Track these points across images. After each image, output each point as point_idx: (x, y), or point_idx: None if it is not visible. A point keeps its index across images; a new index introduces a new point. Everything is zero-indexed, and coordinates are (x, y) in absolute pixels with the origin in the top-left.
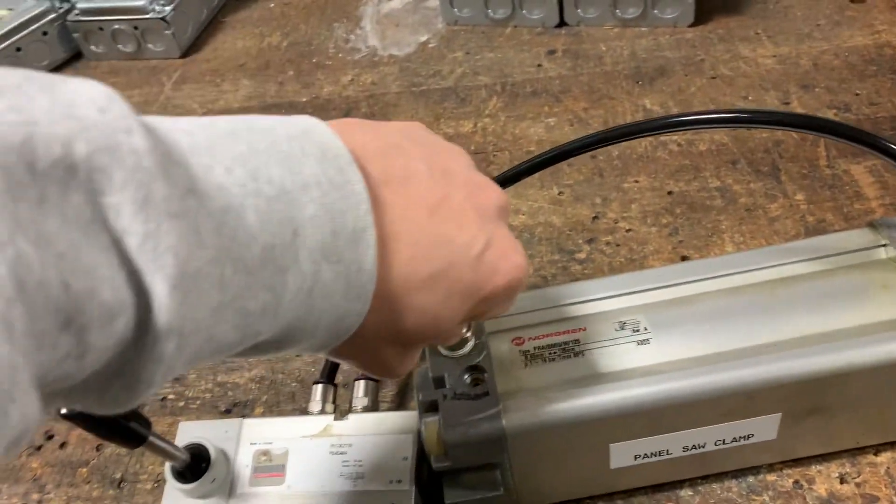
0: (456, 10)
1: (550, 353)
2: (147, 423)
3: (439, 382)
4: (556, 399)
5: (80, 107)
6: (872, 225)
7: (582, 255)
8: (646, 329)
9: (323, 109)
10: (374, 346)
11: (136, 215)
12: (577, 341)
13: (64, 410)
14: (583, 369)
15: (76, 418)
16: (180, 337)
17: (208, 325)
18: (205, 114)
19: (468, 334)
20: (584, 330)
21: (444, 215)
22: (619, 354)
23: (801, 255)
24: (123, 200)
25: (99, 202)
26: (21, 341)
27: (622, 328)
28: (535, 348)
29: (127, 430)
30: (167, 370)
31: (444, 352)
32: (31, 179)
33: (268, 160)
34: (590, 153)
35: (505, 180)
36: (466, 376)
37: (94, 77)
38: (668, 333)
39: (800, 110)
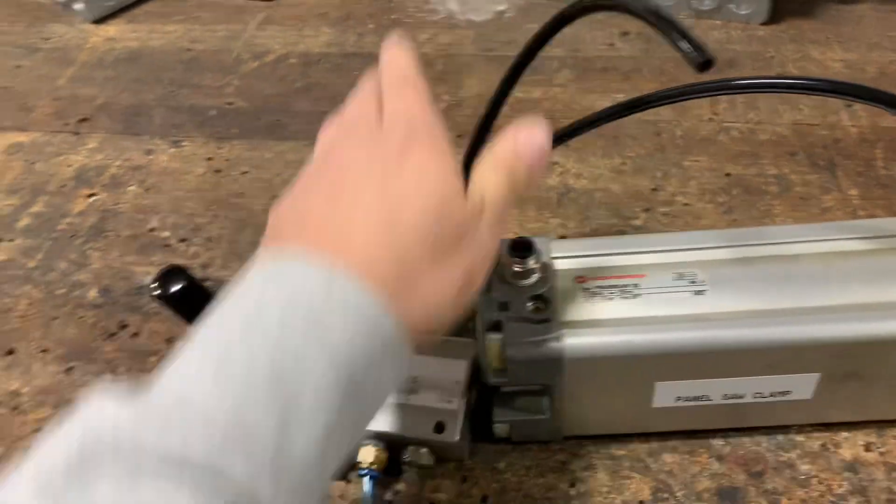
0: None
1: (610, 293)
2: None
3: (503, 307)
4: (612, 332)
5: None
6: None
7: (638, 222)
8: (702, 281)
9: None
10: (430, 338)
11: None
12: (636, 285)
13: (157, 291)
14: (639, 310)
15: (166, 299)
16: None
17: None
18: (285, 55)
19: (534, 265)
20: (644, 276)
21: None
22: (674, 301)
23: (859, 232)
24: None
25: None
26: None
27: (680, 278)
28: (596, 287)
29: None
30: None
31: (510, 280)
32: None
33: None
34: (655, 131)
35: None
36: (530, 304)
37: (182, 10)
38: (723, 287)
39: (862, 115)
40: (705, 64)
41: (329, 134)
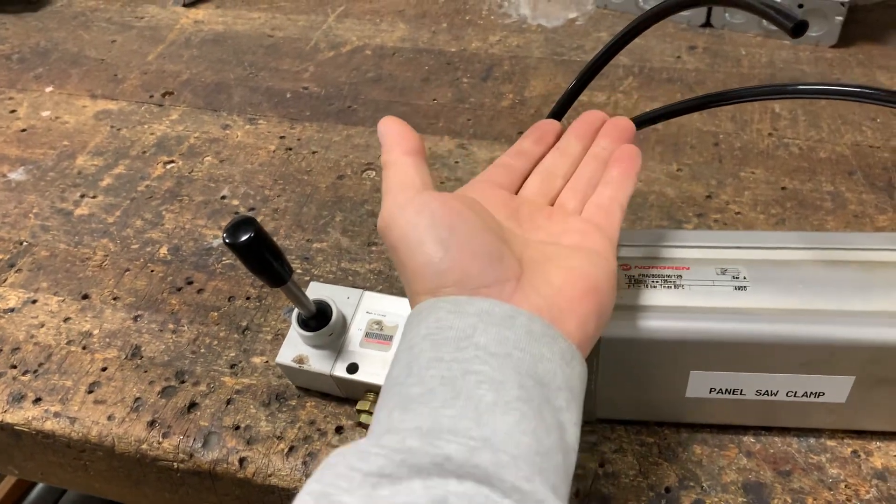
0: None
1: (653, 282)
2: (290, 270)
3: None
4: (651, 318)
5: None
6: None
7: (689, 227)
8: (745, 278)
9: (468, 61)
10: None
11: None
12: (679, 276)
13: (227, 239)
14: (679, 299)
15: (235, 247)
16: None
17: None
18: (361, 46)
19: None
20: (688, 269)
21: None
22: (715, 294)
23: None
24: None
25: None
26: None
27: (723, 273)
28: (640, 275)
29: (273, 269)
30: None
31: None
32: None
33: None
34: (714, 141)
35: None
36: None
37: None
38: (764, 285)
39: None
40: (798, 27)
41: None
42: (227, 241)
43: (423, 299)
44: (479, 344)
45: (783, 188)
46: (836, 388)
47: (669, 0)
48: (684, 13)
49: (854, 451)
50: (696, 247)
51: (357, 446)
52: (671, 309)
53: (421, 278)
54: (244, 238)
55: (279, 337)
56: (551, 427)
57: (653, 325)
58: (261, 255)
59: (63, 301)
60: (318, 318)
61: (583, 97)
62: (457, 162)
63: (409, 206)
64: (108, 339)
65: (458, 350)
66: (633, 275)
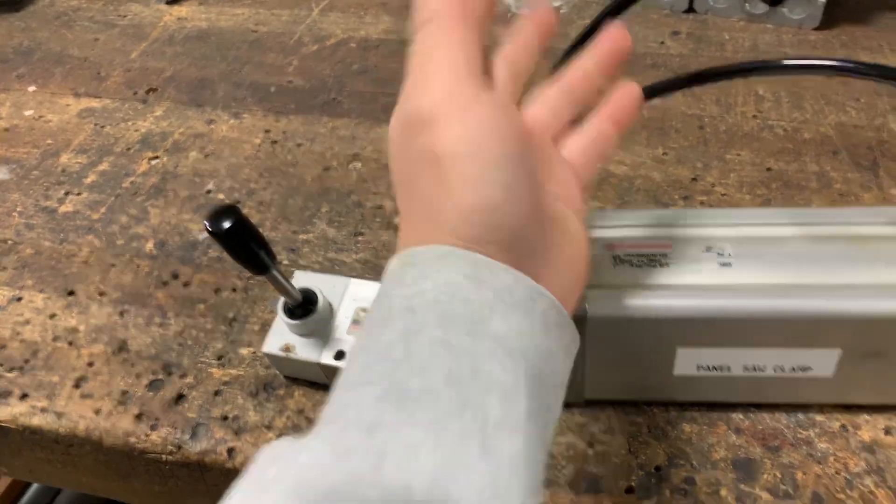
0: None
1: (638, 260)
2: (273, 257)
3: None
4: (637, 296)
5: None
6: None
7: (675, 209)
8: (730, 255)
9: None
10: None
11: None
12: (664, 255)
13: (209, 227)
14: (665, 277)
15: (218, 235)
16: None
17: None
18: (345, 39)
19: None
20: (673, 247)
21: None
22: (700, 271)
23: (885, 218)
24: None
25: None
26: None
27: (708, 250)
28: (625, 254)
29: (257, 257)
30: None
31: None
32: None
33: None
34: (699, 124)
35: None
36: None
37: None
38: (749, 262)
39: None
40: None
41: None
42: (209, 228)
43: (436, 238)
44: (496, 333)
45: (768, 169)
46: (823, 362)
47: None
48: None
49: (843, 426)
50: (680, 226)
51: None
52: (656, 287)
53: (453, 216)
54: (227, 225)
55: (266, 327)
56: (545, 439)
57: (638, 303)
58: (244, 241)
59: (49, 298)
60: (303, 307)
61: None
62: None
63: (471, 110)
64: (94, 335)
65: (469, 335)
66: (618, 254)
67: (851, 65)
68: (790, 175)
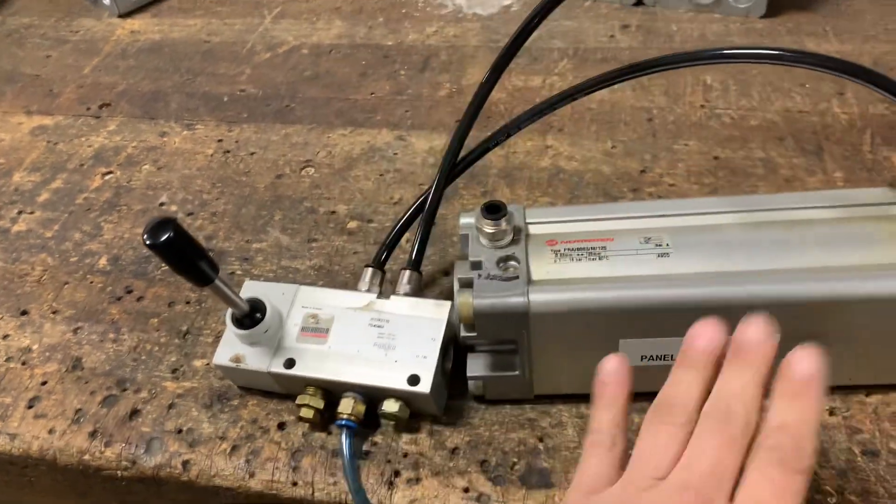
0: None
1: (578, 255)
2: (216, 268)
3: (476, 266)
4: (577, 289)
5: None
6: (892, 185)
7: (625, 201)
8: (668, 245)
9: (406, 54)
10: None
11: None
12: (603, 248)
13: (147, 240)
14: (605, 270)
15: (157, 248)
16: None
17: None
18: (297, 46)
19: (506, 227)
20: (612, 240)
21: None
22: (639, 262)
23: (822, 202)
24: None
25: None
26: None
27: (646, 242)
28: (565, 249)
29: (198, 268)
30: None
31: (483, 242)
32: None
33: None
34: (647, 116)
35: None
36: (500, 263)
37: (203, 6)
38: (687, 251)
39: (853, 102)
40: None
41: None
42: (147, 242)
43: None
44: None
45: (716, 157)
46: None
47: None
48: None
49: None
50: (621, 218)
51: None
52: (595, 280)
53: None
54: (164, 237)
55: (220, 339)
56: None
57: (578, 296)
58: (183, 253)
59: (1, 319)
60: (251, 316)
61: (518, 81)
62: (396, 153)
63: None
64: (47, 353)
65: None
66: (558, 250)
67: (790, 54)
68: (737, 162)
